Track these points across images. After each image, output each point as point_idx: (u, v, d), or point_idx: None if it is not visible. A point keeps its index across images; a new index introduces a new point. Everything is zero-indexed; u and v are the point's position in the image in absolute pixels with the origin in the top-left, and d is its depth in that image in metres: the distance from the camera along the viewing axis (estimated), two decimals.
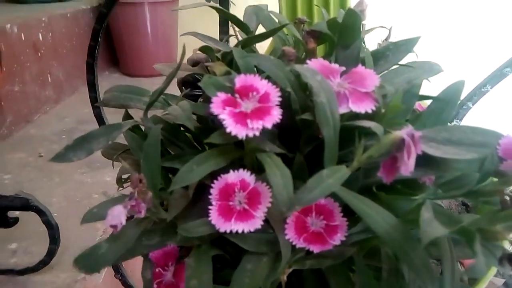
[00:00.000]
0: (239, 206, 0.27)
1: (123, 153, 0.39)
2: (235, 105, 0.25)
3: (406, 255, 0.23)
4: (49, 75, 1.51)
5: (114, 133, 0.31)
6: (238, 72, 0.28)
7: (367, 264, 0.32)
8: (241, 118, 0.24)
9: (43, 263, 0.69)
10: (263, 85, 0.26)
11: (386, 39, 0.34)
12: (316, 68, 0.27)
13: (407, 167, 0.23)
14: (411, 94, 0.29)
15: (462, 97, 0.57)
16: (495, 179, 0.28)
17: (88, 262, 0.28)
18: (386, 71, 0.34)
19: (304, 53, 0.31)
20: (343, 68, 0.27)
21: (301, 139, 0.31)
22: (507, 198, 0.25)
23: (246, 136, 0.24)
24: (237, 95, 0.25)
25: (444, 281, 0.24)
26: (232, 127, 0.24)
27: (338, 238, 0.27)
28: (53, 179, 1.06)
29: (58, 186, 1.02)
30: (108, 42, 1.98)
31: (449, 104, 0.29)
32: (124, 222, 0.25)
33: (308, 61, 0.27)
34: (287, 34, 0.35)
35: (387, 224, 0.24)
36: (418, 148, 0.24)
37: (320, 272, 0.30)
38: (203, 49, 0.34)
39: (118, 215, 0.26)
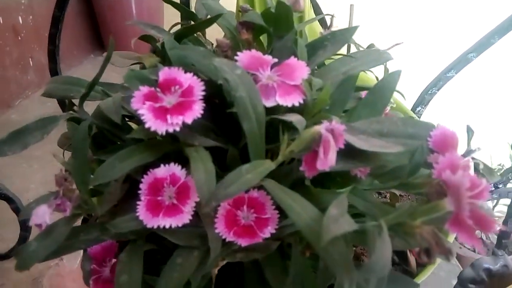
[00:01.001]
0: (168, 201, 0.27)
1: None
2: (156, 100, 0.24)
3: (325, 249, 0.23)
4: (30, 59, 1.48)
5: (49, 126, 0.30)
6: (169, 63, 0.27)
7: (311, 253, 0.32)
8: (161, 113, 0.24)
9: (15, 250, 0.69)
10: (186, 78, 0.25)
11: (328, 28, 0.33)
12: (245, 59, 0.26)
13: (323, 162, 0.23)
14: (347, 86, 0.29)
15: (427, 83, 0.56)
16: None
17: (20, 259, 0.28)
18: (331, 61, 0.34)
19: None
20: (275, 60, 0.27)
21: (241, 131, 0.30)
22: (434, 191, 0.25)
23: (166, 131, 0.23)
24: (158, 89, 0.25)
25: (368, 271, 0.24)
26: (151, 123, 0.23)
27: (268, 231, 0.27)
28: (32, 165, 1.05)
29: (37, 172, 1.01)
30: (92, 24, 1.94)
31: (384, 95, 0.29)
32: (48, 221, 0.25)
33: (239, 53, 0.26)
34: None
35: (308, 217, 0.24)
36: (340, 142, 0.24)
37: (258, 263, 0.30)
38: (143, 38, 0.33)
39: (42, 214, 0.26)
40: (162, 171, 0.27)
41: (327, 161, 0.23)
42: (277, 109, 0.27)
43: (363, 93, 0.34)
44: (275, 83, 0.26)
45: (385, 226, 0.21)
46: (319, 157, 0.22)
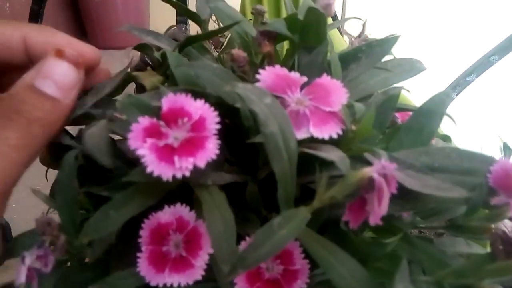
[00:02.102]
0: (174, 252, 0.22)
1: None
2: (159, 136, 0.19)
3: None
4: None
5: None
6: (175, 82, 0.22)
7: None
8: (167, 154, 0.19)
9: None
10: (197, 108, 0.20)
11: (360, 36, 0.28)
12: (269, 79, 0.21)
13: (378, 215, 0.18)
14: (387, 108, 0.24)
15: (445, 86, 0.52)
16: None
17: None
18: (363, 75, 0.29)
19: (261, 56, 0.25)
20: (304, 79, 0.22)
21: (259, 160, 0.25)
22: (498, 239, 0.21)
23: (173, 176, 0.19)
24: (162, 123, 0.20)
25: None
26: (154, 166, 0.18)
27: (298, 286, 0.22)
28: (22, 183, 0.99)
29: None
30: (75, 13, 1.85)
31: (431, 119, 0.24)
32: (23, 280, 0.20)
33: (261, 70, 0.21)
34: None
35: (353, 279, 0.19)
36: (393, 187, 0.19)
37: None
38: (138, 47, 0.28)
39: (19, 274, 0.21)
40: (167, 214, 0.22)
41: (381, 211, 0.18)
42: (306, 139, 0.22)
43: (397, 114, 0.30)
44: (307, 109, 0.21)
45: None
46: (373, 210, 0.18)
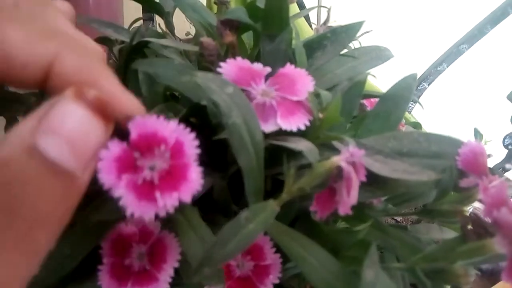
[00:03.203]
0: (138, 264, 0.21)
1: None
2: (134, 169, 0.16)
3: None
4: None
5: None
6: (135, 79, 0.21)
7: None
8: (146, 191, 0.16)
9: None
10: (171, 131, 0.16)
11: (325, 23, 0.28)
12: (232, 72, 0.21)
13: (347, 205, 0.18)
14: (353, 95, 0.24)
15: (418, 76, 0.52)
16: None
17: None
18: (329, 62, 0.29)
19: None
20: (268, 70, 0.21)
21: (227, 156, 0.25)
22: (469, 221, 0.21)
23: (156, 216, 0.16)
24: (136, 152, 0.16)
25: None
26: (134, 207, 0.16)
27: (270, 282, 0.22)
28: None
29: None
30: None
31: (399, 104, 0.24)
32: None
33: (222, 64, 0.21)
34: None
35: (324, 270, 0.19)
36: (361, 174, 0.19)
37: None
38: (100, 40, 0.26)
39: None
40: (130, 224, 0.21)
41: (350, 201, 0.18)
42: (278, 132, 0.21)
43: (365, 101, 0.30)
44: (274, 100, 0.20)
45: (421, 273, 0.17)
46: (342, 200, 0.18)
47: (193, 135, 0.16)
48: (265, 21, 0.23)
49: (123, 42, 0.29)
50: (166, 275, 0.20)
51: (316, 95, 0.21)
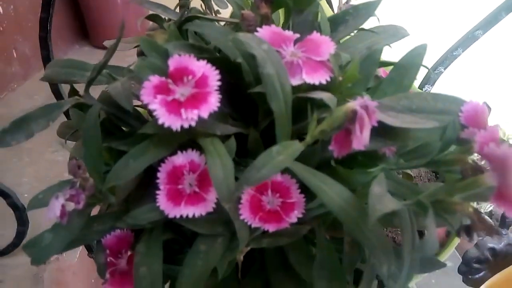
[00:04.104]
0: (189, 189, 0.25)
1: (77, 131, 0.36)
2: (168, 92, 0.22)
3: (361, 231, 0.22)
4: (14, 51, 1.43)
5: (54, 113, 0.28)
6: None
7: (331, 236, 0.31)
8: (175, 107, 0.22)
9: (13, 246, 0.67)
10: (199, 66, 0.23)
11: (347, 2, 0.32)
12: (266, 36, 0.25)
13: (360, 140, 0.21)
14: (371, 61, 0.27)
15: (433, 61, 0.55)
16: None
17: (34, 252, 0.27)
18: (348, 37, 0.33)
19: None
20: (297, 35, 0.25)
21: (258, 113, 0.29)
22: (468, 167, 0.24)
23: (181, 126, 0.22)
24: (170, 80, 0.23)
25: (403, 254, 0.23)
26: (165, 118, 0.22)
27: (294, 216, 0.26)
28: (23, 158, 1.02)
29: (29, 166, 0.98)
30: (76, 12, 1.88)
31: (410, 70, 0.27)
32: (58, 214, 0.24)
33: (259, 29, 0.25)
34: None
35: (341, 199, 0.23)
36: (373, 119, 0.23)
37: (281, 247, 0.29)
38: (150, 17, 0.31)
39: (52, 208, 0.24)
40: (181, 158, 0.26)
41: (363, 139, 0.22)
42: (299, 87, 0.25)
43: (381, 70, 0.33)
44: (300, 60, 0.24)
45: (428, 203, 0.20)
46: (356, 135, 0.21)
47: (216, 72, 0.21)
48: None
49: (169, 20, 0.33)
50: (212, 195, 0.24)
51: (337, 56, 0.25)
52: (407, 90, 0.27)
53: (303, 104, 0.25)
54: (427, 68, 0.29)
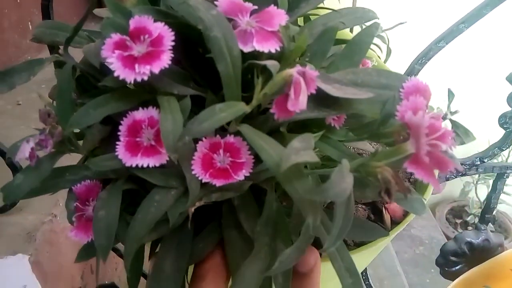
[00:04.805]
0: (146, 142, 0.28)
1: None
2: (126, 48, 0.25)
3: (291, 185, 0.24)
4: (29, 23, 1.47)
5: (35, 68, 0.31)
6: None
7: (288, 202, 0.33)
8: (130, 62, 0.25)
9: (11, 205, 0.71)
10: (156, 27, 0.25)
11: None
12: (224, 4, 0.27)
13: (294, 104, 0.23)
14: (326, 38, 0.29)
15: (418, 52, 0.57)
16: None
17: (7, 191, 0.30)
18: (318, 17, 0.34)
19: None
20: (255, 7, 0.27)
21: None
22: (401, 138, 0.26)
23: (135, 80, 0.24)
24: (128, 38, 0.25)
25: (334, 221, 0.25)
26: (120, 71, 0.24)
27: (242, 174, 0.28)
28: (30, 126, 1.06)
29: (35, 133, 1.02)
30: None
31: (361, 48, 0.29)
32: (27, 156, 0.26)
33: None
34: None
35: (278, 157, 0.25)
36: (312, 87, 0.25)
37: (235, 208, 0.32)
38: None
39: (22, 149, 0.27)
40: (141, 113, 0.28)
41: (298, 103, 0.24)
42: (258, 56, 0.27)
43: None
44: (253, 29, 0.26)
45: (346, 162, 0.22)
46: (290, 98, 0.23)
47: (172, 33, 0.23)
48: None
49: None
50: None
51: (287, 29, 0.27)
52: (357, 65, 0.29)
53: (254, 66, 0.27)
54: (377, 45, 0.31)
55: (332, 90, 0.26)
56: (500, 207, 2.05)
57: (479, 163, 0.65)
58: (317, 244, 0.30)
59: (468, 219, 2.10)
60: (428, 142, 0.22)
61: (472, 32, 0.53)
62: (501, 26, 1.51)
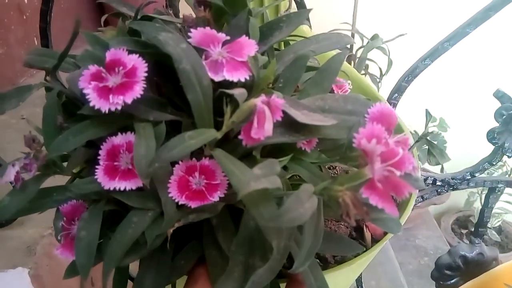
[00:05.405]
0: (124, 166, 0.29)
1: None
2: (101, 79, 0.27)
3: (257, 209, 0.25)
4: (35, 39, 1.51)
5: (25, 94, 0.33)
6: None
7: None
8: (104, 92, 0.26)
9: (11, 220, 0.73)
10: (131, 59, 0.27)
11: (287, 10, 0.35)
12: (198, 36, 0.28)
13: (257, 131, 0.25)
14: (298, 65, 0.31)
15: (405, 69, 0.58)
16: None
17: None
18: (294, 43, 0.36)
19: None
20: (227, 38, 0.29)
21: None
22: (363, 163, 0.27)
23: (109, 109, 0.26)
24: (104, 70, 0.27)
25: (302, 241, 0.26)
26: (95, 102, 0.26)
27: (217, 195, 0.29)
28: None
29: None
30: (97, 4, 1.96)
31: (330, 74, 0.30)
32: (12, 179, 0.28)
33: (192, 29, 0.28)
34: None
35: (245, 178, 0.26)
36: (277, 114, 0.26)
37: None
38: (115, 15, 0.35)
39: (8, 173, 0.28)
40: (119, 138, 0.30)
41: (262, 130, 0.25)
42: (231, 85, 0.29)
43: (334, 87, 0.36)
44: (224, 59, 0.28)
45: (308, 186, 0.24)
46: (253, 126, 0.25)
47: (145, 64, 0.25)
48: (231, 3, 0.30)
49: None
50: None
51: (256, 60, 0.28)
52: (327, 91, 0.31)
53: (225, 95, 0.29)
54: (345, 73, 0.32)
55: (301, 116, 0.28)
56: (507, 217, 2.03)
57: (469, 177, 0.65)
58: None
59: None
60: (385, 168, 0.23)
61: (462, 48, 0.54)
62: (490, 43, 1.54)
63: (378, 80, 1.39)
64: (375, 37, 1.35)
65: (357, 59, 1.34)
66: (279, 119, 0.26)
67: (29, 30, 1.47)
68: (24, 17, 1.44)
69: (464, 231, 2.19)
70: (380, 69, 1.38)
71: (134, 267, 0.36)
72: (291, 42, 0.38)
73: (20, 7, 1.41)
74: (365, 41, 1.34)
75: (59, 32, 0.64)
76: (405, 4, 1.66)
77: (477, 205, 2.09)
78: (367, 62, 1.34)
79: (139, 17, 0.33)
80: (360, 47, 1.34)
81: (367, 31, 1.34)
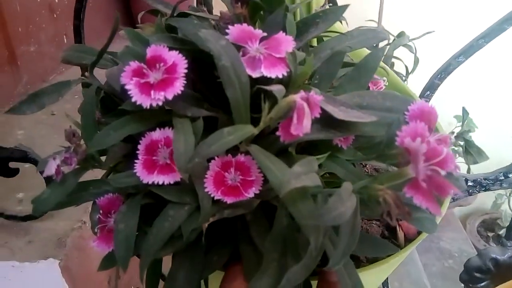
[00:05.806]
0: (162, 160, 0.30)
1: None
2: (143, 76, 0.27)
3: (295, 207, 0.25)
4: (65, 37, 1.55)
5: (63, 89, 0.34)
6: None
7: None
8: (146, 88, 0.27)
9: (44, 212, 0.75)
10: (171, 56, 0.27)
11: (323, 6, 0.35)
12: (235, 33, 0.28)
13: (297, 127, 0.25)
14: (334, 61, 0.30)
15: (438, 66, 0.56)
16: None
17: (36, 204, 0.32)
18: (328, 39, 0.36)
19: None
20: (264, 34, 0.29)
21: None
22: (404, 161, 0.26)
23: (151, 105, 0.26)
24: (145, 66, 0.27)
25: (339, 240, 0.26)
26: (137, 97, 0.26)
27: (252, 191, 0.29)
28: (63, 136, 1.11)
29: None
30: (124, 4, 1.99)
31: (367, 71, 0.30)
32: (53, 172, 0.29)
33: (230, 26, 0.29)
34: None
35: (283, 178, 0.26)
36: (316, 111, 0.26)
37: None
38: (151, 12, 0.36)
39: (49, 166, 0.29)
40: (157, 134, 0.30)
41: (301, 127, 0.25)
42: (267, 81, 0.29)
43: (370, 84, 0.36)
44: (262, 56, 0.28)
45: (348, 185, 0.23)
46: (293, 123, 0.25)
47: (185, 61, 0.25)
48: (268, 0, 0.30)
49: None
50: None
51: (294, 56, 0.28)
52: (364, 88, 0.30)
53: (262, 91, 0.29)
54: (384, 69, 0.32)
55: (338, 112, 0.27)
56: None
57: (503, 178, 0.63)
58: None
59: (501, 232, 2.03)
60: (428, 167, 0.23)
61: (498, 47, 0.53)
62: None
63: (404, 78, 1.36)
64: (401, 34, 1.33)
65: (383, 57, 1.32)
66: (317, 115, 0.26)
67: (59, 28, 1.51)
68: (55, 16, 1.47)
69: (490, 234, 2.13)
70: (406, 67, 1.35)
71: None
72: (324, 38, 0.38)
73: (51, 6, 1.45)
74: (391, 38, 1.32)
75: (88, 30, 0.65)
76: (432, 1, 1.62)
77: (505, 207, 2.03)
78: (393, 60, 1.32)
79: (175, 14, 0.33)
80: (386, 45, 1.32)
81: (393, 29, 1.32)
